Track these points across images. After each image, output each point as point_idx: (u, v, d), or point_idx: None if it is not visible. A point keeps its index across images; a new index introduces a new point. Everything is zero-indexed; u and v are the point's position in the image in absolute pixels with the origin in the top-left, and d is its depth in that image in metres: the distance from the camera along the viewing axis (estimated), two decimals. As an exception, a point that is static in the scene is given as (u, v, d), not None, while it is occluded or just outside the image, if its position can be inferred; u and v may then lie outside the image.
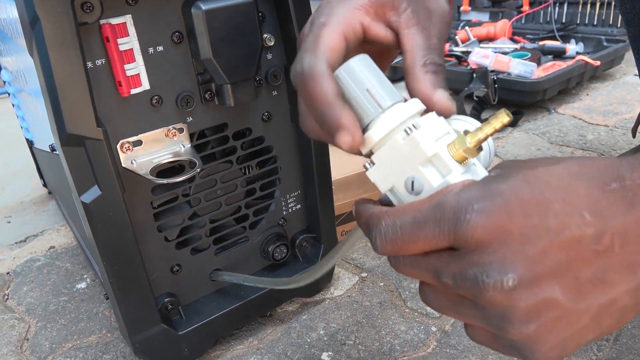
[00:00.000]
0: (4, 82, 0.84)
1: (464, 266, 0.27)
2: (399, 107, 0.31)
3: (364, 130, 0.32)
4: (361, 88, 0.32)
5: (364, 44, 0.37)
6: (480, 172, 0.31)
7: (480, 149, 0.30)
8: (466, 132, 0.30)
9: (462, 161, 0.30)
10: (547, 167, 0.27)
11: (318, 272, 0.41)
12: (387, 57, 0.41)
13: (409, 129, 0.30)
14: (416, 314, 0.62)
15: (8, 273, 0.80)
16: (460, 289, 0.27)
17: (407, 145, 0.30)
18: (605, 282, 0.26)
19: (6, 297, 0.74)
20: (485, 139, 0.29)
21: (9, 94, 0.89)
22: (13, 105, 0.89)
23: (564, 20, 1.49)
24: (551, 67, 1.20)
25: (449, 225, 0.27)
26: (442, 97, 0.33)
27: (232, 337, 0.62)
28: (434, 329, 0.60)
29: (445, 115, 0.33)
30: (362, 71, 0.32)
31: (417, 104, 0.32)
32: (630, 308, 0.27)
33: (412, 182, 0.30)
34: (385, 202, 0.33)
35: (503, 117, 0.29)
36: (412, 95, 0.34)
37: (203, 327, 0.56)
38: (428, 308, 0.63)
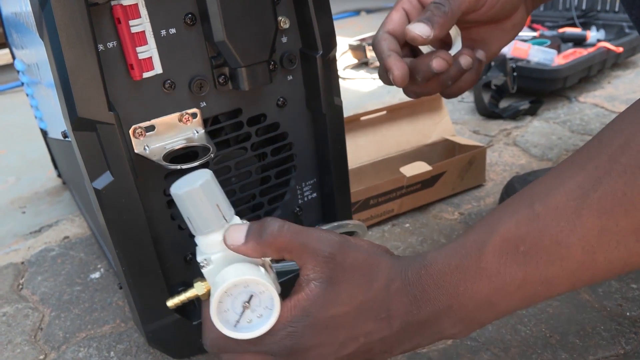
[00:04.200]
0: (18, 72, 0.84)
1: None
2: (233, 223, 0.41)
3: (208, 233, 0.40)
4: (212, 202, 0.39)
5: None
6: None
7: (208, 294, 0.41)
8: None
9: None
10: (329, 311, 0.38)
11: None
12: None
13: (204, 261, 0.40)
14: (435, 305, 0.61)
15: (22, 263, 0.79)
16: None
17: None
18: None
19: (20, 286, 0.74)
20: (184, 300, 0.42)
21: (22, 84, 0.89)
22: (27, 95, 0.89)
23: (584, 7, 1.45)
24: (572, 55, 1.17)
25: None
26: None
27: (246, 328, 0.60)
28: (453, 320, 0.58)
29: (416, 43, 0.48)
30: (212, 189, 0.39)
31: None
32: None
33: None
34: None
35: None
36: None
37: (217, 317, 0.55)
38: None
